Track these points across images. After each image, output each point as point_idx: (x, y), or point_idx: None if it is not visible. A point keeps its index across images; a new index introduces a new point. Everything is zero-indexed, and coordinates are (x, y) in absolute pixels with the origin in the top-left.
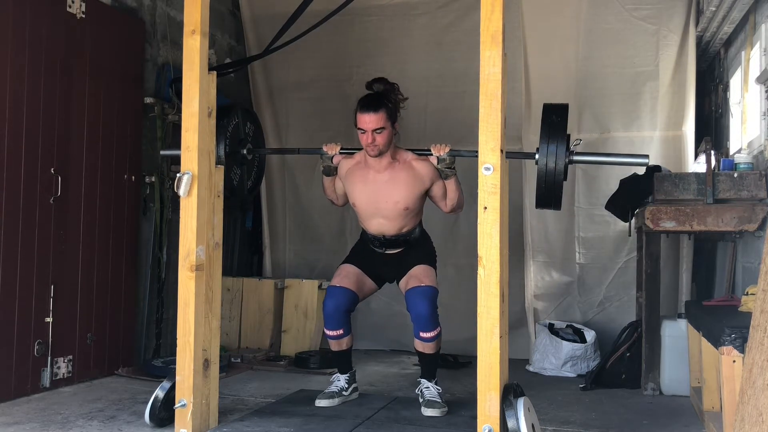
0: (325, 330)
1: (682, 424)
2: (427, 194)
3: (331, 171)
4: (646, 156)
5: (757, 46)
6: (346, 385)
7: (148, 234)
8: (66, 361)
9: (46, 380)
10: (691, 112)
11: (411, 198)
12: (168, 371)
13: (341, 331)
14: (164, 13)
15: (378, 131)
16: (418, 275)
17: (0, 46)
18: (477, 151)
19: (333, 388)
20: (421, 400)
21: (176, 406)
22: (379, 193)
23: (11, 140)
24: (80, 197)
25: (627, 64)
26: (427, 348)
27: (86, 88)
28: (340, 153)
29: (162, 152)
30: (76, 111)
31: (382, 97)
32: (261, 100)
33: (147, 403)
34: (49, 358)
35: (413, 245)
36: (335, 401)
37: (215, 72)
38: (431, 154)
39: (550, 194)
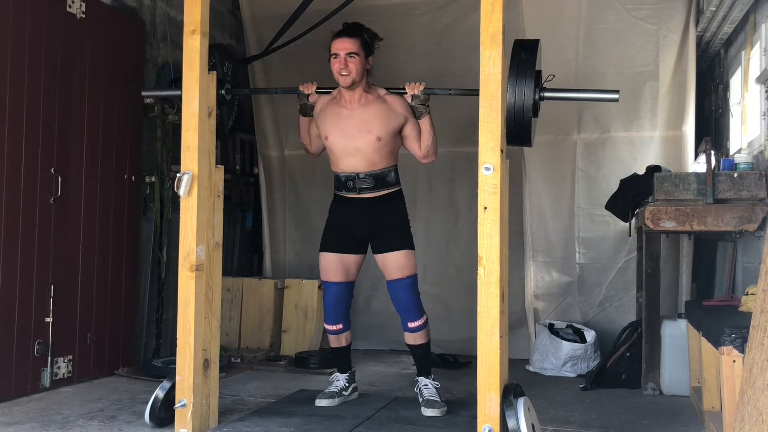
0: (325, 325)
1: (682, 424)
2: (401, 135)
3: (307, 110)
4: (617, 91)
5: (757, 46)
6: (346, 384)
7: (148, 234)
8: (66, 361)
9: (46, 380)
10: (691, 112)
11: (384, 129)
12: (168, 371)
13: (341, 326)
14: (164, 13)
15: (351, 56)
16: (401, 264)
17: (0, 46)
18: (450, 89)
19: (333, 389)
20: (420, 399)
21: (176, 406)
22: (352, 124)
23: (11, 140)
24: (80, 197)
25: (627, 64)
26: (417, 339)
27: (86, 88)
28: (317, 92)
29: (144, 93)
30: (76, 111)
31: (358, 28)
32: (261, 101)
33: (147, 403)
34: (49, 358)
35: (388, 200)
36: (335, 401)
37: (215, 72)
38: (406, 93)
39: (518, 131)
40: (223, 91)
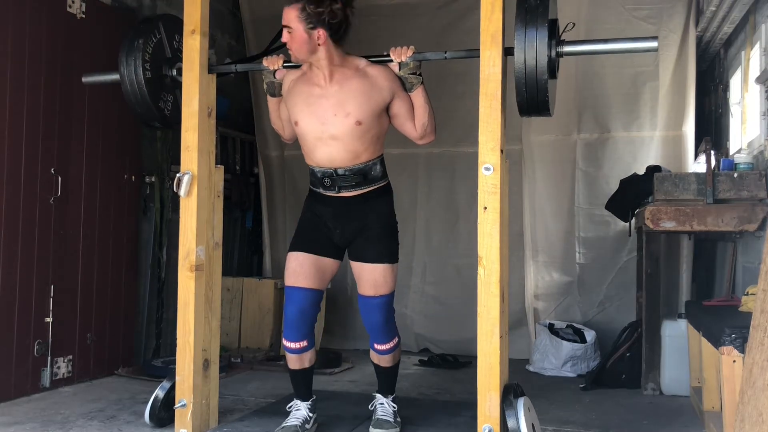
0: (284, 342)
1: (682, 424)
2: (389, 114)
3: (275, 89)
4: (655, 38)
5: (757, 46)
6: (310, 415)
7: (148, 234)
8: (66, 361)
9: (46, 380)
10: (691, 112)
11: (365, 111)
12: (168, 371)
13: (305, 343)
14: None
15: (288, 30)
16: (376, 280)
17: (0, 46)
18: (445, 52)
19: (294, 421)
20: (372, 416)
21: (176, 406)
22: (326, 106)
23: (11, 140)
24: (80, 197)
25: (627, 64)
26: (383, 360)
27: (86, 88)
28: (284, 67)
29: (84, 78)
30: (76, 111)
31: None
32: (261, 101)
33: (147, 403)
34: (49, 358)
35: (374, 197)
36: None
37: (215, 73)
38: (391, 61)
39: (533, 99)
40: (174, 72)
